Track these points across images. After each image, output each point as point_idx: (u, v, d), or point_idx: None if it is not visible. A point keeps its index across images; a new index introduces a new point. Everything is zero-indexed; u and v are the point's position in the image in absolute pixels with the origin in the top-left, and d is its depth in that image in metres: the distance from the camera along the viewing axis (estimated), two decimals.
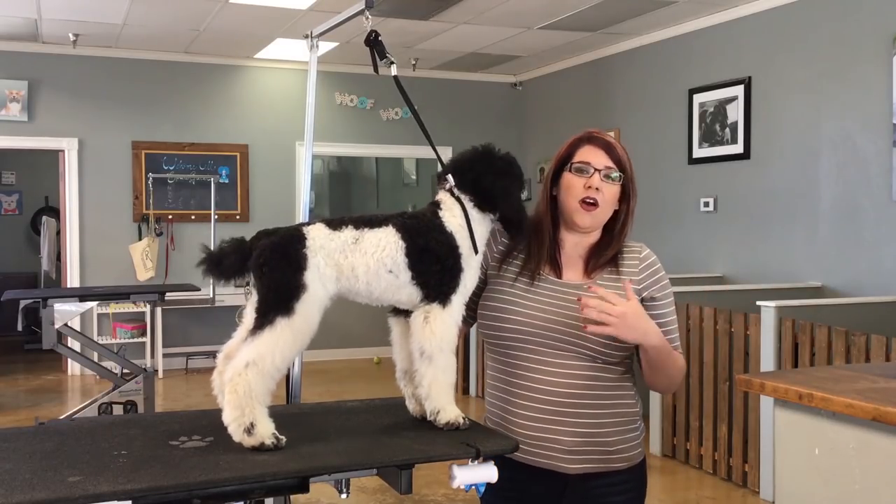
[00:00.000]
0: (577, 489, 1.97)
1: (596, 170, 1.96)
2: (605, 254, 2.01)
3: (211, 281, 7.64)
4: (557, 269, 2.01)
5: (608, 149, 1.98)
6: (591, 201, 1.95)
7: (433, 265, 1.85)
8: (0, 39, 7.58)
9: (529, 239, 2.03)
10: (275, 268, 1.74)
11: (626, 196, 2.00)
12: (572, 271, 2.02)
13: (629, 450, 2.01)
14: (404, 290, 1.83)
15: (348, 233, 1.81)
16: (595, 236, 2.03)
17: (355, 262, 1.80)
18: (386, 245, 1.81)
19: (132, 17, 6.84)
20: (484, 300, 2.03)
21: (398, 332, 1.95)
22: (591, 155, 1.97)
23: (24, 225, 10.85)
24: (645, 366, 1.97)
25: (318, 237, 1.79)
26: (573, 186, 1.97)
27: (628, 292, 1.86)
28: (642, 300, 1.98)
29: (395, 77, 2.18)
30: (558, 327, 1.94)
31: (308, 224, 1.84)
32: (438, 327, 1.84)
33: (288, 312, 1.71)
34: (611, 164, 1.96)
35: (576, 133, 2.07)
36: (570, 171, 1.98)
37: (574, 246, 2.04)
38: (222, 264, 1.80)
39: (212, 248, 1.82)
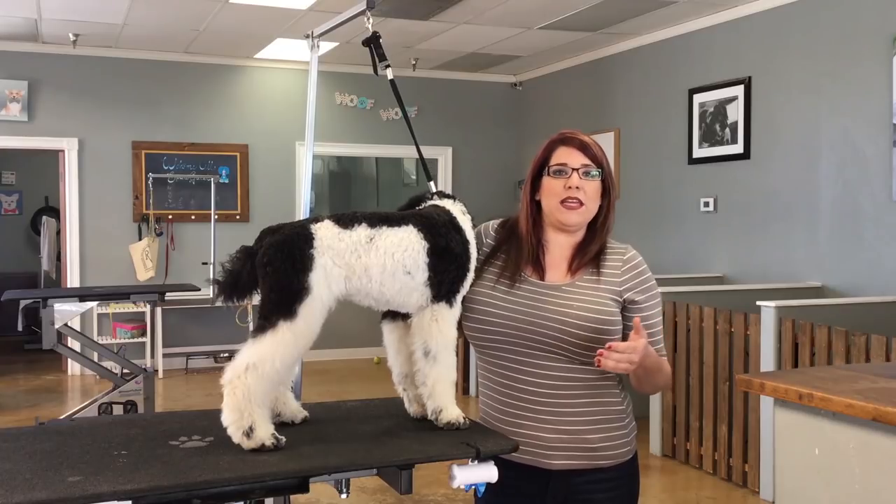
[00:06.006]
0: (560, 484, 1.99)
1: (574, 169, 1.98)
2: (590, 249, 2.02)
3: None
4: (541, 271, 2.03)
5: (583, 148, 1.99)
6: (574, 203, 1.97)
7: (450, 265, 1.85)
8: (0, 39, 7.58)
9: (509, 243, 2.06)
10: (278, 268, 1.69)
11: (605, 191, 2.02)
12: (555, 272, 2.03)
13: (615, 448, 2.01)
14: (416, 292, 1.82)
15: (362, 231, 1.77)
16: (580, 235, 2.04)
17: (370, 262, 1.76)
18: (408, 246, 1.79)
19: (132, 17, 6.84)
20: (467, 302, 2.02)
21: (395, 336, 1.95)
22: (568, 156, 1.99)
23: (24, 225, 10.84)
24: (633, 377, 1.97)
25: (327, 237, 1.74)
26: (553, 189, 1.99)
27: (637, 328, 1.86)
28: (623, 301, 2.00)
29: (392, 81, 2.23)
30: (539, 329, 1.95)
31: (316, 220, 1.77)
32: (445, 326, 1.85)
33: (290, 315, 1.68)
34: (587, 161, 1.99)
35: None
36: (548, 174, 2.00)
37: (559, 247, 2.05)
38: (239, 284, 1.73)
39: (220, 276, 1.74)
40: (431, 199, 2.01)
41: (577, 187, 1.97)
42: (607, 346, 1.83)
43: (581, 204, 1.98)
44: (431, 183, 2.04)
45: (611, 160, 8.48)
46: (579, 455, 1.98)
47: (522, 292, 2.00)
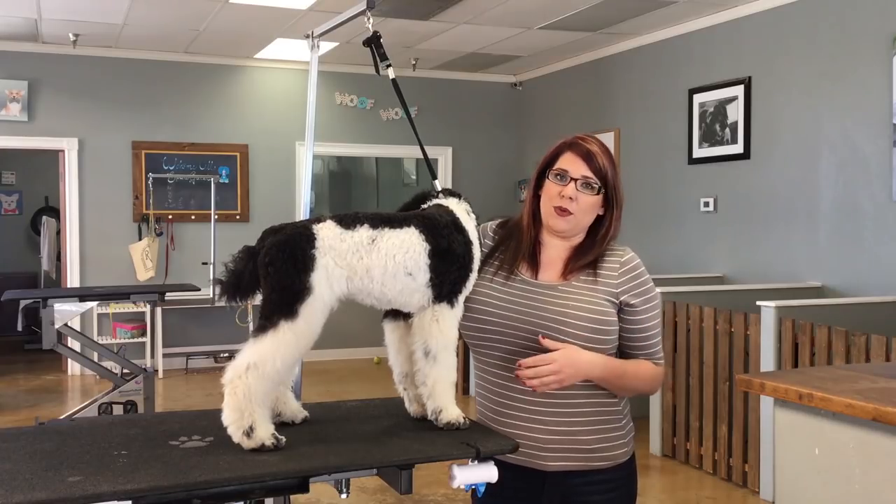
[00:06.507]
0: (556, 486, 1.97)
1: (573, 179, 1.95)
2: (585, 258, 2.00)
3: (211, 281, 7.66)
4: (535, 269, 2.02)
5: (588, 158, 1.96)
6: (563, 211, 1.96)
7: (452, 266, 1.85)
8: (0, 39, 7.58)
9: (507, 243, 2.06)
10: (280, 268, 1.69)
11: (610, 204, 1.99)
12: (550, 272, 2.01)
13: (612, 449, 1.99)
14: (418, 292, 1.82)
15: (364, 232, 1.77)
16: (578, 239, 2.03)
17: (371, 263, 1.76)
18: (409, 248, 1.79)
19: (132, 17, 6.84)
20: (464, 301, 2.00)
21: (396, 336, 1.94)
22: (571, 163, 1.97)
23: (24, 225, 10.84)
24: (603, 385, 1.98)
25: (329, 237, 1.74)
26: (550, 192, 1.98)
27: (547, 344, 1.88)
28: (620, 304, 1.98)
29: (394, 80, 2.22)
30: (528, 327, 1.94)
31: (318, 220, 1.77)
32: (445, 326, 1.84)
33: (292, 315, 1.68)
34: (589, 173, 1.95)
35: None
36: (549, 176, 1.99)
37: (556, 247, 2.03)
38: (242, 284, 1.74)
39: (223, 276, 1.75)
40: (437, 197, 2.00)
41: (571, 198, 1.95)
42: (518, 363, 1.86)
43: (571, 214, 1.96)
44: (437, 182, 2.03)
45: None
46: (575, 456, 1.96)
47: (517, 290, 1.99)
